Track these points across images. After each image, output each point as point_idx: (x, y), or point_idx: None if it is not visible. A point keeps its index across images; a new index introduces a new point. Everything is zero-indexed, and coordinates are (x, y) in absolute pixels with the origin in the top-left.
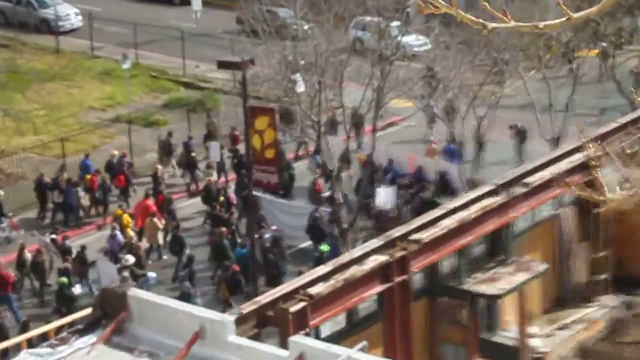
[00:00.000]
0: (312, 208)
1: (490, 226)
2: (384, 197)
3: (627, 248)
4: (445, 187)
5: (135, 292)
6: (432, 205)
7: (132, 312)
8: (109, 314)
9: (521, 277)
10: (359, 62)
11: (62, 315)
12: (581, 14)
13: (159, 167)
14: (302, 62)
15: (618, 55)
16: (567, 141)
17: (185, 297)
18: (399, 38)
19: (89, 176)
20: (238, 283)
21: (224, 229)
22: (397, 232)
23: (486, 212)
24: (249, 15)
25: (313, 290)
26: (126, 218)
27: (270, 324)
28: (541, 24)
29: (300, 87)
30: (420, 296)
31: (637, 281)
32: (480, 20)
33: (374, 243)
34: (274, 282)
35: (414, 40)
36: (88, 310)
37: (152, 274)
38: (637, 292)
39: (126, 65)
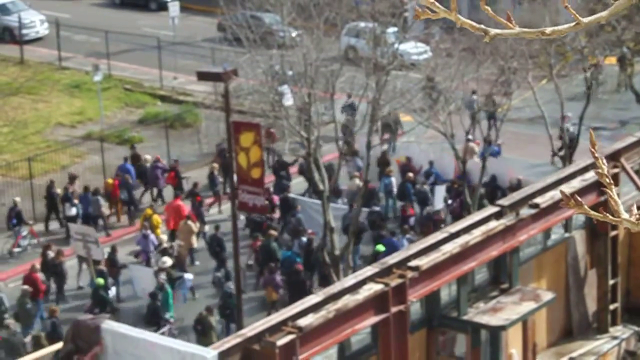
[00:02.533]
0: (347, 209)
1: (494, 251)
2: (439, 196)
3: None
4: (495, 190)
5: (110, 325)
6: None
7: (107, 346)
8: (82, 348)
9: (527, 306)
10: (352, 72)
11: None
12: (591, 18)
13: (215, 165)
14: (290, 73)
15: (637, 63)
16: (581, 157)
17: (227, 297)
18: (396, 46)
19: (110, 180)
20: (302, 284)
21: (273, 231)
22: (393, 258)
23: (490, 237)
24: (231, 22)
25: (302, 321)
26: (156, 219)
27: (256, 358)
28: (548, 30)
29: (288, 100)
30: (419, 327)
31: None
32: (482, 26)
33: (369, 270)
34: (326, 281)
35: (413, 48)
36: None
37: (188, 276)
38: None
39: (97, 78)
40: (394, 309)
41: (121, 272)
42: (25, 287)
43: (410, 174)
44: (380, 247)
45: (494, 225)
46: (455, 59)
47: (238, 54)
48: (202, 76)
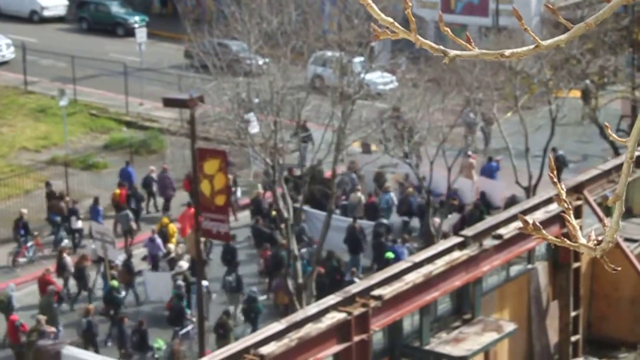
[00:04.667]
0: (351, 221)
1: (457, 282)
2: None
3: (602, 307)
4: (487, 207)
5: (70, 351)
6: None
7: None
8: None
9: (489, 337)
10: (318, 101)
11: (110, 318)
12: (550, 41)
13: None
14: (257, 100)
15: (601, 97)
16: (545, 189)
17: (251, 301)
18: (362, 75)
19: (117, 191)
20: (323, 285)
21: (284, 241)
22: (356, 287)
23: (453, 267)
24: (198, 49)
25: (264, 349)
26: (172, 228)
27: None
28: (507, 52)
29: (254, 128)
30: (381, 357)
31: (612, 343)
32: (441, 47)
33: (332, 299)
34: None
35: (379, 78)
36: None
37: (204, 282)
38: (612, 355)
39: (63, 102)
40: (356, 338)
41: (135, 278)
42: (52, 287)
43: (410, 189)
44: (390, 255)
45: (458, 255)
46: (421, 89)
47: (204, 81)
48: (168, 102)
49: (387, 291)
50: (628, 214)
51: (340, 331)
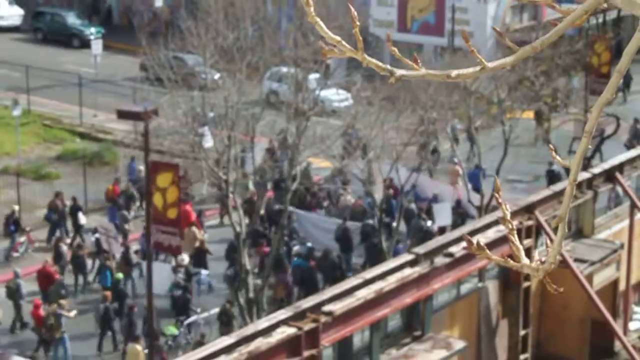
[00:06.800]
0: (340, 222)
1: (408, 299)
2: (440, 213)
3: (551, 326)
4: (463, 215)
5: None
6: None
7: None
8: None
9: (438, 354)
10: (273, 117)
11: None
12: (495, 63)
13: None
14: (211, 114)
15: (554, 119)
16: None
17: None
18: (317, 92)
19: (110, 187)
20: (315, 281)
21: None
22: (307, 302)
23: (404, 284)
24: (153, 62)
25: None
26: None
27: None
28: (453, 73)
29: (208, 142)
30: None
31: None
32: (388, 67)
33: (282, 314)
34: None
35: (334, 95)
36: None
37: (204, 272)
38: None
39: (16, 112)
40: (306, 353)
41: (133, 270)
42: (60, 277)
43: (391, 191)
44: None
45: (409, 272)
46: (376, 107)
47: (159, 94)
48: (122, 115)
49: (337, 307)
50: (579, 234)
51: (290, 346)
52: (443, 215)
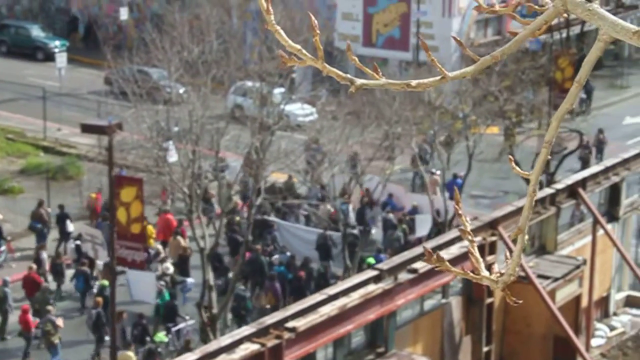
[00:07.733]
0: (321, 231)
1: (371, 315)
2: (421, 225)
3: (514, 342)
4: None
5: None
6: None
7: None
8: None
9: None
10: (237, 131)
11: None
12: (456, 73)
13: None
14: (176, 129)
15: (519, 134)
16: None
17: (240, 299)
18: (282, 106)
19: (94, 195)
20: (303, 289)
21: (259, 246)
22: (271, 318)
23: (368, 300)
24: (118, 75)
25: None
26: (150, 229)
27: None
28: (413, 83)
29: (173, 157)
30: None
31: None
32: (348, 76)
33: (246, 330)
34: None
35: (299, 109)
36: None
37: (190, 280)
38: None
39: None
40: None
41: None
42: (45, 284)
43: (366, 199)
44: (371, 260)
45: (373, 288)
46: (341, 121)
47: (124, 108)
48: (87, 129)
49: (301, 323)
50: (542, 251)
51: None
52: (424, 226)
